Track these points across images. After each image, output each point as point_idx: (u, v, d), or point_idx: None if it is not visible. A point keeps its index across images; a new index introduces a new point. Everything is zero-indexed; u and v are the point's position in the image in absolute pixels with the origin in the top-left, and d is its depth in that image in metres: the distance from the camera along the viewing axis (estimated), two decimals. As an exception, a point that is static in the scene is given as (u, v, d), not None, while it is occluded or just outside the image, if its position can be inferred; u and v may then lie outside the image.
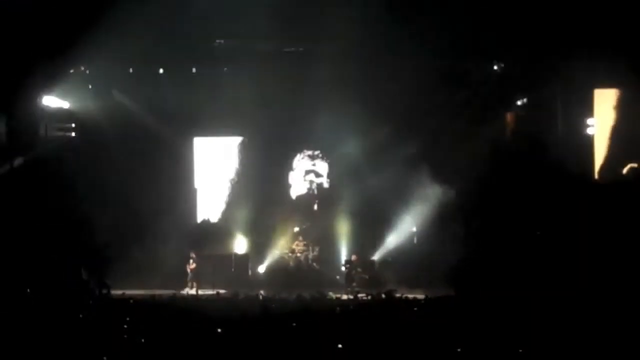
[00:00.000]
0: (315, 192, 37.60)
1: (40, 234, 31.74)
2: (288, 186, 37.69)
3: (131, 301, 28.84)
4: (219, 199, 37.08)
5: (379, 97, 34.36)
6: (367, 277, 34.53)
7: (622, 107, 31.53)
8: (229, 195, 37.28)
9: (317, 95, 34.05)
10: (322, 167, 37.69)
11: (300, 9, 29.80)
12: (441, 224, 35.16)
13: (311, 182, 37.71)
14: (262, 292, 30.24)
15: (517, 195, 32.09)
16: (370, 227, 36.10)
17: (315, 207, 37.55)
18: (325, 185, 37.58)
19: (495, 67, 34.04)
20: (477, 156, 34.13)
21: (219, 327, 21.90)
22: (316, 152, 37.72)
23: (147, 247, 35.17)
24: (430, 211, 34.96)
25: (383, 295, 30.87)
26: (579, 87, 31.49)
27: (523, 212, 31.89)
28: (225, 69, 35.21)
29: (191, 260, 34.49)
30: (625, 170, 31.61)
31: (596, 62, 29.89)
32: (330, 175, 37.54)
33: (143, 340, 20.15)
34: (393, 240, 35.42)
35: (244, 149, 36.94)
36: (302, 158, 37.78)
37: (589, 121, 32.49)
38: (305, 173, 37.75)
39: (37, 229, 31.69)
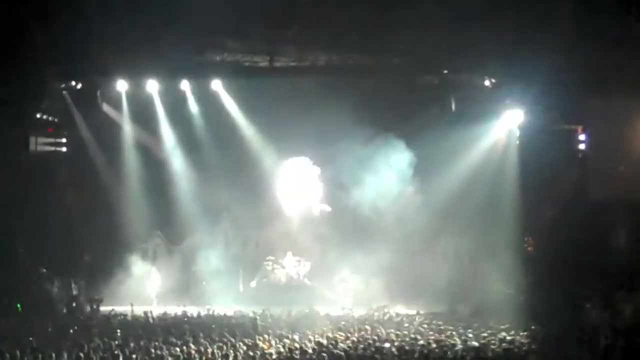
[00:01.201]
0: (306, 204, 37.46)
1: (30, 249, 31.69)
2: (279, 199, 37.50)
3: (120, 317, 28.88)
4: (212, 212, 36.91)
5: (371, 109, 34.39)
6: (359, 292, 34.45)
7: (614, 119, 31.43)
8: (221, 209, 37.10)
9: (307, 107, 33.96)
10: (313, 178, 37.49)
11: (291, 21, 29.79)
12: (433, 239, 35.14)
13: (301, 194, 37.53)
14: (253, 310, 30.02)
15: (508, 210, 32.06)
16: (363, 241, 35.97)
17: (307, 221, 37.41)
18: (316, 197, 37.38)
19: (487, 83, 33.99)
20: (468, 169, 34.23)
21: (210, 343, 21.93)
22: (306, 160, 37.50)
23: (138, 263, 35.07)
24: (423, 226, 34.92)
25: (375, 311, 30.90)
26: (568, 99, 31.35)
27: (513, 226, 31.87)
28: (216, 81, 35.05)
29: (153, 277, 34.26)
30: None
31: (585, 73, 29.90)
32: (322, 188, 37.36)
33: (135, 357, 20.14)
34: (385, 255, 35.31)
35: (235, 160, 36.65)
36: (292, 169, 37.57)
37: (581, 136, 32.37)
38: (296, 186, 37.59)
39: (26, 244, 31.65)
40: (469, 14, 28.47)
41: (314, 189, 37.56)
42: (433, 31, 29.15)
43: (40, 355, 19.75)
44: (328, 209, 37.26)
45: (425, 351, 21.15)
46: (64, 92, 34.46)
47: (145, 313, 28.81)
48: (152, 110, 35.41)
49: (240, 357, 20.17)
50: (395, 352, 21.11)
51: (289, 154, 36.95)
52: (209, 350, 20.82)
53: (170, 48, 30.71)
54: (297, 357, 20.46)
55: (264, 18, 28.40)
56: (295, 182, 37.56)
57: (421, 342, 22.80)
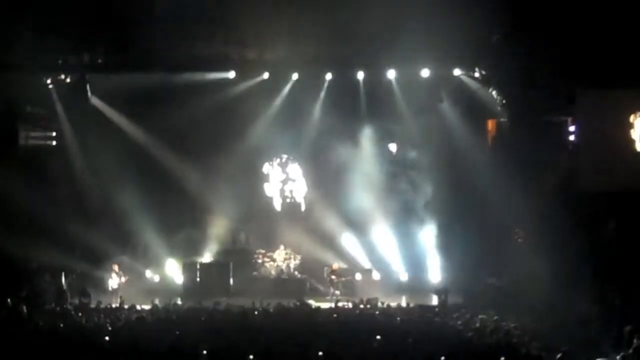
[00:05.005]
0: (294, 199, 37.33)
1: (21, 242, 31.62)
2: (267, 197, 37.32)
3: (109, 310, 28.82)
4: (202, 208, 36.82)
5: (359, 101, 34.50)
6: (349, 284, 34.42)
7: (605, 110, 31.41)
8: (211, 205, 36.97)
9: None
10: (295, 171, 37.32)
11: (279, 18, 29.83)
12: (422, 229, 35.10)
13: (285, 190, 37.35)
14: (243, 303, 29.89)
15: (498, 202, 32.07)
16: (353, 234, 35.93)
17: (295, 214, 37.34)
18: (300, 190, 37.20)
19: (477, 74, 33.91)
20: (456, 162, 34.22)
21: (200, 338, 21.88)
22: (284, 158, 37.29)
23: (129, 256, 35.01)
24: (410, 217, 34.98)
25: (365, 304, 30.86)
26: (559, 90, 31.35)
27: (503, 217, 31.89)
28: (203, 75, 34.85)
29: (114, 275, 33.46)
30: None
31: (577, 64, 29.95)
32: (306, 179, 37.19)
33: (124, 350, 20.06)
34: (375, 247, 35.32)
35: (219, 158, 36.42)
36: (273, 167, 37.37)
37: (571, 128, 32.37)
38: (280, 182, 37.41)
39: (18, 237, 31.59)
40: (457, 5, 28.60)
41: (295, 180, 37.40)
42: (423, 22, 29.28)
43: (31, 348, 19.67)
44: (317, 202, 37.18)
45: (418, 345, 21.11)
46: (52, 85, 34.28)
47: (134, 306, 28.76)
48: (143, 103, 35.09)
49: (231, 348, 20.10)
50: (386, 345, 21.07)
51: (268, 148, 36.78)
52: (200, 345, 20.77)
53: (157, 40, 30.74)
54: (289, 349, 20.41)
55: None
56: (277, 178, 37.37)
57: (413, 334, 22.77)
